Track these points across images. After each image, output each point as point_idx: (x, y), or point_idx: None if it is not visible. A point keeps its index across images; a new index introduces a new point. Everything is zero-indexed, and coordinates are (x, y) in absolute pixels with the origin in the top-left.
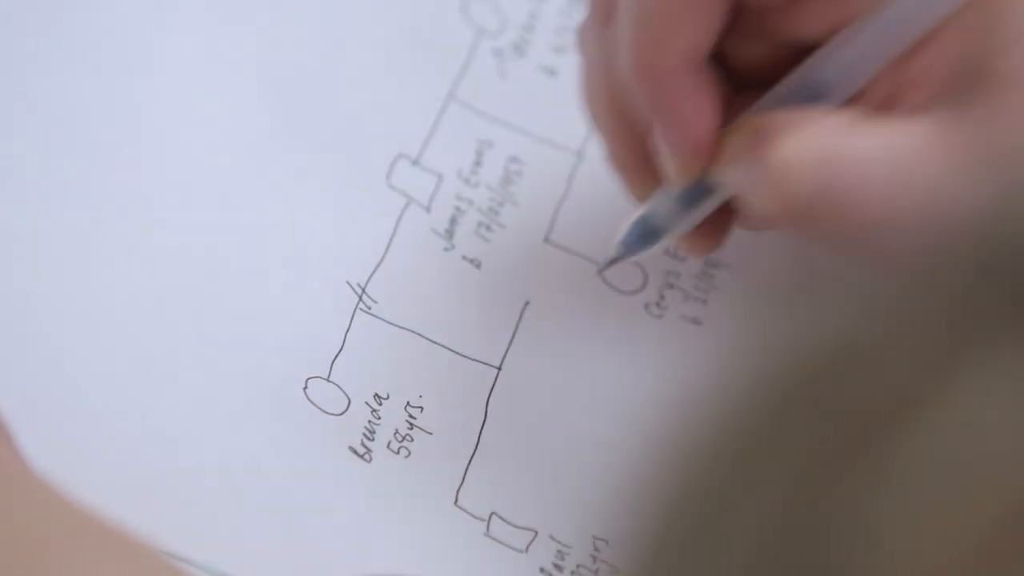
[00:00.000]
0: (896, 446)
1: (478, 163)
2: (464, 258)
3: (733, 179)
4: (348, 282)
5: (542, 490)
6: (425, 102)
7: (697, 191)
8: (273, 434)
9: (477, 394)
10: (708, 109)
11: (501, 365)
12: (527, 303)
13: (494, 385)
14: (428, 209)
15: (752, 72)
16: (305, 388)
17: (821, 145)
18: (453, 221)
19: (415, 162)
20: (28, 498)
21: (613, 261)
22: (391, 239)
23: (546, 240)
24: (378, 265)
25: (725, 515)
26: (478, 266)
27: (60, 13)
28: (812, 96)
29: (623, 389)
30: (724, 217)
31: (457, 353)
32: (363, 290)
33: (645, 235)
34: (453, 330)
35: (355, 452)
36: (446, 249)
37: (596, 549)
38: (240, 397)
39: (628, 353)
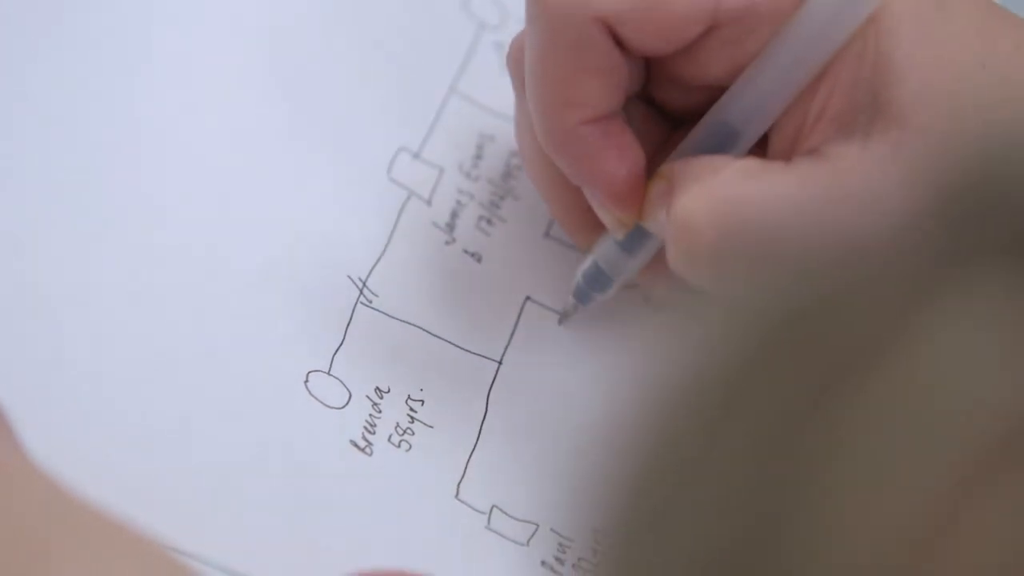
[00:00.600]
0: (860, 396)
1: (479, 157)
2: (465, 252)
3: (655, 228)
4: (349, 276)
5: (543, 483)
6: (426, 96)
7: (636, 236)
8: (274, 428)
9: (478, 388)
10: (627, 161)
11: (502, 359)
12: (528, 297)
13: (495, 379)
14: (429, 203)
15: (683, 111)
16: (306, 382)
17: (719, 195)
18: (454, 215)
19: (416, 156)
20: (29, 493)
21: (570, 312)
22: (392, 232)
23: (547, 235)
24: (379, 259)
25: (694, 487)
26: (479, 260)
27: (60, 13)
28: (724, 140)
29: (624, 382)
30: None
31: (458, 347)
32: (364, 284)
33: (597, 282)
34: (454, 324)
35: (356, 446)
36: (447, 243)
37: (597, 542)
38: (241, 391)
39: (629, 346)
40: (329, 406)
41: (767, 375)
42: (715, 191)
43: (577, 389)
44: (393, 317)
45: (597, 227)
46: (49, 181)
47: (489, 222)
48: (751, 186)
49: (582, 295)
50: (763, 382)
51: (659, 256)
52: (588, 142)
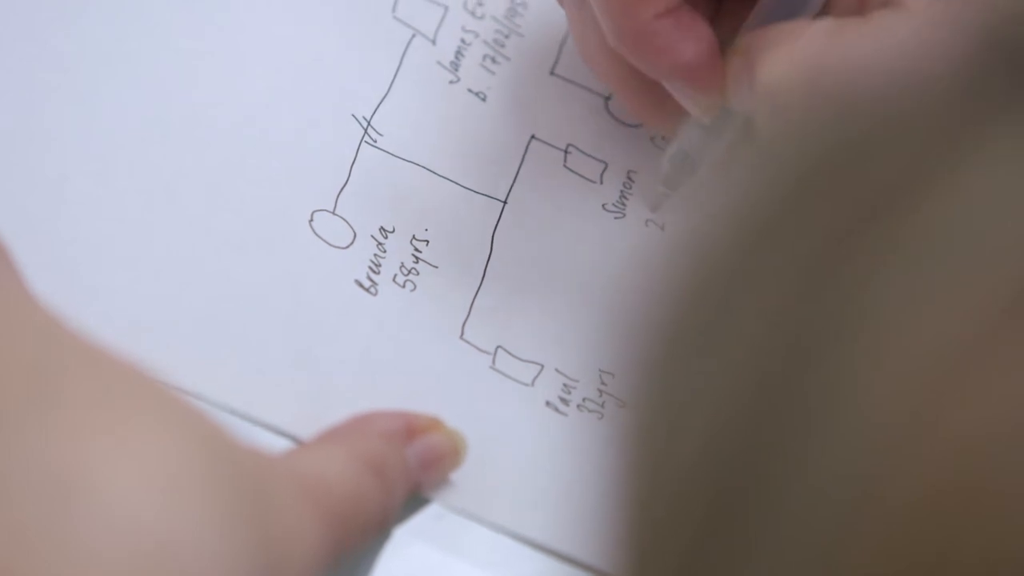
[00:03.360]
0: (893, 234)
1: None
2: (470, 91)
3: (737, 104)
4: (353, 115)
5: (548, 324)
6: None
7: (721, 118)
8: (279, 267)
9: (482, 228)
10: (702, 43)
11: (506, 199)
12: (533, 136)
13: (499, 219)
14: (434, 41)
15: None
16: (311, 221)
17: (804, 58)
18: (459, 54)
19: None
20: (33, 329)
21: (662, 198)
22: (396, 72)
23: (552, 72)
24: (383, 98)
25: (726, 323)
26: (484, 99)
27: None
28: (793, 4)
29: (628, 221)
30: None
31: (463, 186)
32: (368, 123)
33: (683, 168)
34: (458, 163)
35: (361, 285)
36: (451, 82)
37: (603, 383)
38: (245, 229)
39: (634, 185)
40: (334, 245)
41: (801, 212)
42: (798, 56)
43: (582, 228)
44: (398, 157)
45: (669, 109)
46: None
47: (494, 60)
48: (835, 45)
49: (671, 182)
50: (796, 219)
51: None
52: (664, 35)
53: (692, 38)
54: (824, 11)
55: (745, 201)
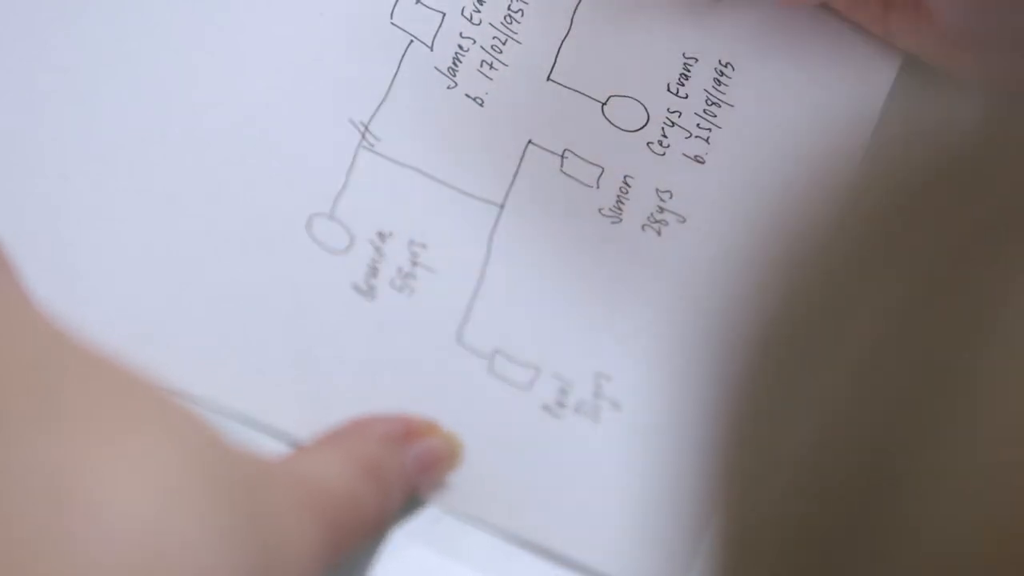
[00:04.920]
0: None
1: (481, 1)
2: (467, 96)
3: None
4: (351, 120)
5: (545, 328)
6: None
7: None
8: (276, 271)
9: (480, 232)
10: None
11: (504, 203)
12: (530, 141)
13: (496, 223)
14: (431, 47)
15: None
16: (309, 225)
17: None
18: (456, 59)
19: (418, 0)
20: (33, 334)
21: None
22: (394, 77)
23: (549, 78)
24: (381, 103)
25: (838, 332)
26: (481, 104)
27: None
28: None
29: (625, 225)
30: None
31: (460, 191)
32: (366, 128)
33: None
34: (456, 168)
35: (358, 290)
36: (449, 87)
37: (599, 386)
38: (243, 235)
39: (630, 190)
40: (331, 250)
41: (911, 231)
42: None
43: (579, 233)
44: (395, 161)
45: None
46: (52, 17)
47: (491, 66)
48: None
49: None
50: (904, 240)
51: None
52: None
53: None
54: None
55: (861, 208)
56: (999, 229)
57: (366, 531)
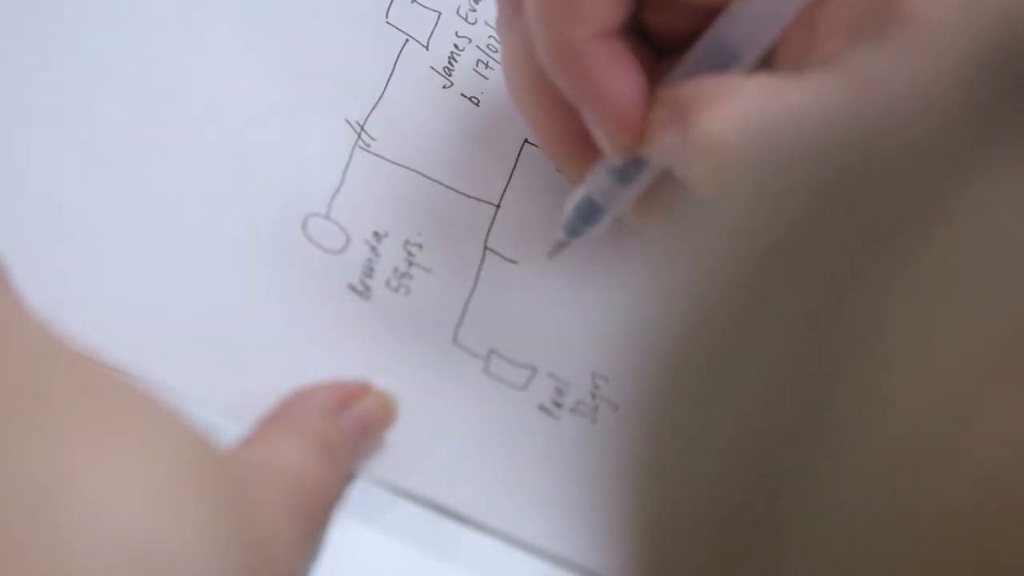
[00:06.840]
0: (902, 264)
1: (476, 0)
2: (463, 96)
3: (659, 154)
4: (347, 119)
5: (541, 328)
6: None
7: (632, 165)
8: (272, 272)
9: (476, 232)
10: (631, 80)
11: (500, 203)
12: (526, 140)
13: (492, 223)
14: (427, 47)
15: (673, 39)
16: (304, 226)
17: (746, 114)
18: (452, 59)
19: None
20: (26, 341)
21: (560, 246)
22: (390, 76)
23: None
24: (377, 103)
25: (737, 346)
26: (477, 104)
27: None
28: (724, 60)
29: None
30: (669, 183)
31: (456, 191)
32: (362, 128)
33: (588, 215)
34: (452, 168)
35: (354, 290)
36: (445, 87)
37: (595, 386)
38: (239, 235)
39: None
40: (327, 250)
41: (805, 245)
42: (741, 111)
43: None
44: (391, 161)
45: (587, 157)
46: (45, 22)
47: (487, 66)
48: (779, 102)
49: (573, 229)
50: (802, 252)
51: (648, 192)
52: (595, 58)
53: (621, 69)
54: (766, 63)
55: (752, 227)
56: (884, 233)
57: (330, 511)
